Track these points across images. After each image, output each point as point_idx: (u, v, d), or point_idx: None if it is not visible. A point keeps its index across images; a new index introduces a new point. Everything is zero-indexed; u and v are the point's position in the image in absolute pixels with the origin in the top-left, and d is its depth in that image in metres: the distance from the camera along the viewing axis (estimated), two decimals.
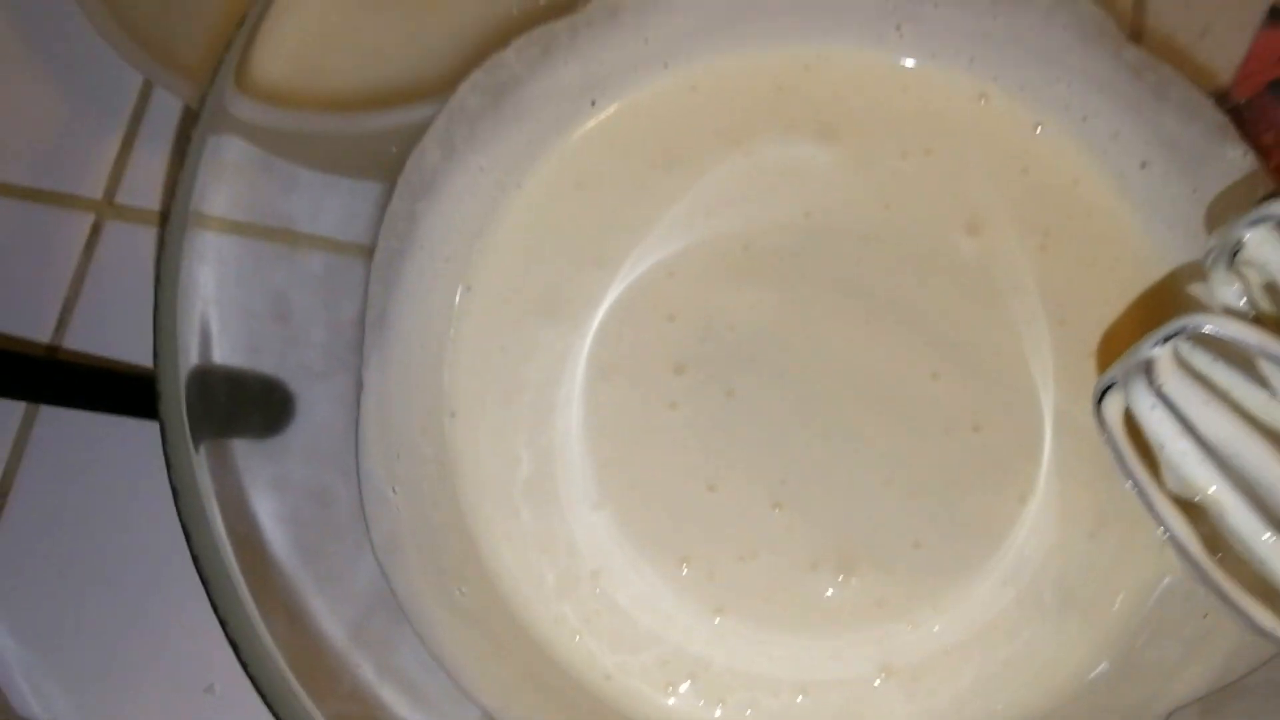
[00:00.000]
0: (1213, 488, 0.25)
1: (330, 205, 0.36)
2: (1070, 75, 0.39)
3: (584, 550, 0.37)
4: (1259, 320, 0.27)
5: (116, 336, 0.44)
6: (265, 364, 0.33)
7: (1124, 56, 0.37)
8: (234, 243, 0.32)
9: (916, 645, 0.36)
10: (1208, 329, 0.25)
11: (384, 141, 0.37)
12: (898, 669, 0.36)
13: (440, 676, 0.33)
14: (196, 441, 0.28)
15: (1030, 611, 0.36)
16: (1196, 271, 0.30)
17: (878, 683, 0.36)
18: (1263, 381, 0.27)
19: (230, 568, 0.27)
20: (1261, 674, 0.32)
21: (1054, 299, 0.38)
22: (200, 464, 0.28)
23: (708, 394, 0.38)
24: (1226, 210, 0.35)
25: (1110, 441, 0.27)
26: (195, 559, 0.27)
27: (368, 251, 0.36)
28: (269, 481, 0.31)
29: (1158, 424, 0.25)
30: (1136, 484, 0.27)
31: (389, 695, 0.31)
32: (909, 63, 0.40)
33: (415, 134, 0.37)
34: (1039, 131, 0.39)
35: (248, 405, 0.33)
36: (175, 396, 0.28)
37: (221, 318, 0.31)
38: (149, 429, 0.38)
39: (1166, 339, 0.25)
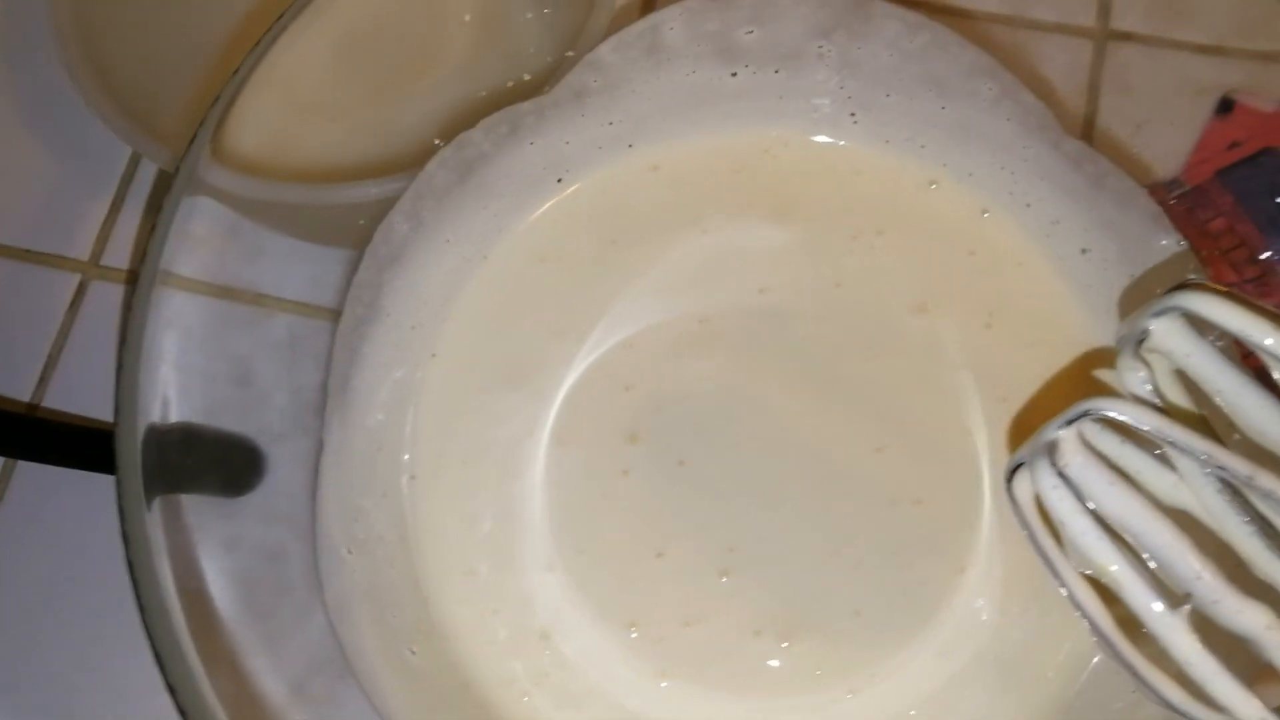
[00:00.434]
0: (1113, 566, 0.26)
1: (297, 272, 0.38)
2: (1014, 164, 0.40)
3: (536, 610, 0.38)
4: (1165, 407, 0.29)
5: (96, 395, 0.46)
6: (225, 425, 0.34)
7: (1063, 148, 0.39)
8: (200, 306, 0.34)
9: (856, 713, 0.37)
10: (1108, 413, 0.26)
11: (353, 213, 0.39)
12: None
13: None
14: (150, 496, 0.29)
15: (968, 682, 0.37)
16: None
17: None
18: (1172, 466, 0.28)
19: (175, 621, 0.28)
20: None
21: (996, 377, 0.39)
22: (153, 518, 0.29)
23: (660, 463, 0.39)
24: (1145, 296, 0.37)
25: (1022, 519, 0.28)
26: (141, 610, 0.28)
27: (333, 316, 0.38)
28: (222, 539, 0.32)
29: (1059, 503, 0.26)
30: (1047, 561, 0.28)
31: None
32: (862, 149, 0.42)
33: (384, 207, 0.39)
34: (985, 216, 0.41)
35: (209, 464, 0.34)
36: (131, 451, 0.29)
37: (182, 380, 0.32)
38: None
39: (1070, 421, 0.26)
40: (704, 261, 0.41)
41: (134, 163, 0.49)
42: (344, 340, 0.38)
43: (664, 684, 0.37)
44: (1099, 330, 0.39)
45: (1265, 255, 0.42)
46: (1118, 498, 0.26)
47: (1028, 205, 0.41)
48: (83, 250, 0.48)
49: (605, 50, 0.40)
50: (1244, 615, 0.26)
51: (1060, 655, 0.37)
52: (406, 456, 0.39)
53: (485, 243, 0.41)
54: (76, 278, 0.48)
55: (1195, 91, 0.42)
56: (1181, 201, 0.43)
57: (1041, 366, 0.39)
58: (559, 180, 0.42)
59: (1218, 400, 0.28)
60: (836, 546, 0.38)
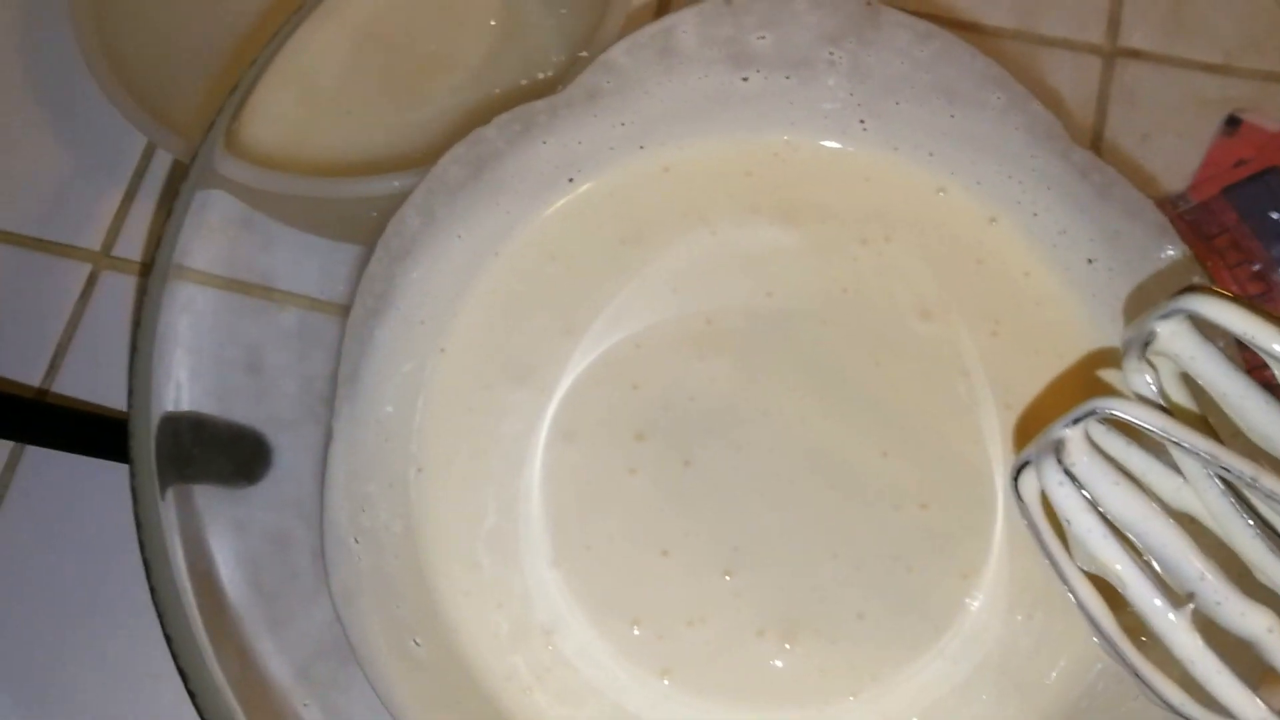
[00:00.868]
0: (1118, 565, 0.26)
1: (309, 264, 0.38)
2: (1022, 173, 0.41)
3: (539, 605, 0.38)
4: (1169, 409, 0.29)
5: (105, 383, 0.46)
6: (236, 413, 0.35)
7: (1071, 158, 0.39)
8: (212, 296, 0.34)
9: (858, 717, 0.37)
10: (1114, 412, 0.26)
11: (365, 207, 0.39)
12: None
13: None
14: (163, 479, 0.30)
15: (971, 687, 0.37)
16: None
17: None
18: (1176, 469, 0.28)
19: (186, 602, 0.29)
20: None
21: (1002, 384, 0.39)
22: (165, 501, 0.30)
23: (666, 462, 0.39)
24: (1149, 301, 0.37)
25: (1026, 516, 0.28)
26: (153, 591, 0.28)
27: (343, 310, 0.38)
28: (231, 522, 0.32)
29: (1064, 500, 0.27)
30: (1051, 559, 0.28)
31: None
32: (871, 155, 0.42)
33: (396, 201, 0.39)
34: (993, 224, 0.41)
35: (220, 451, 0.35)
36: (145, 435, 0.30)
37: (195, 366, 0.32)
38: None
39: (1076, 420, 0.27)
40: (712, 263, 0.42)
41: (148, 154, 0.49)
42: (354, 332, 0.38)
43: (665, 683, 0.37)
44: (1105, 339, 0.40)
45: (1267, 271, 0.42)
46: (1122, 497, 0.26)
47: (1035, 214, 0.41)
48: (94, 240, 0.48)
49: (618, 52, 0.41)
50: (1247, 618, 0.26)
51: (1064, 661, 0.37)
52: (414, 448, 0.40)
53: (496, 239, 0.41)
54: (88, 267, 0.48)
55: (1202, 106, 0.43)
56: (1187, 216, 0.43)
57: (1047, 374, 0.39)
58: (570, 179, 0.42)
59: (1222, 403, 0.28)
60: (841, 549, 0.38)
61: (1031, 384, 0.39)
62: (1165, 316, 0.28)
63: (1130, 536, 0.27)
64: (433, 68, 0.44)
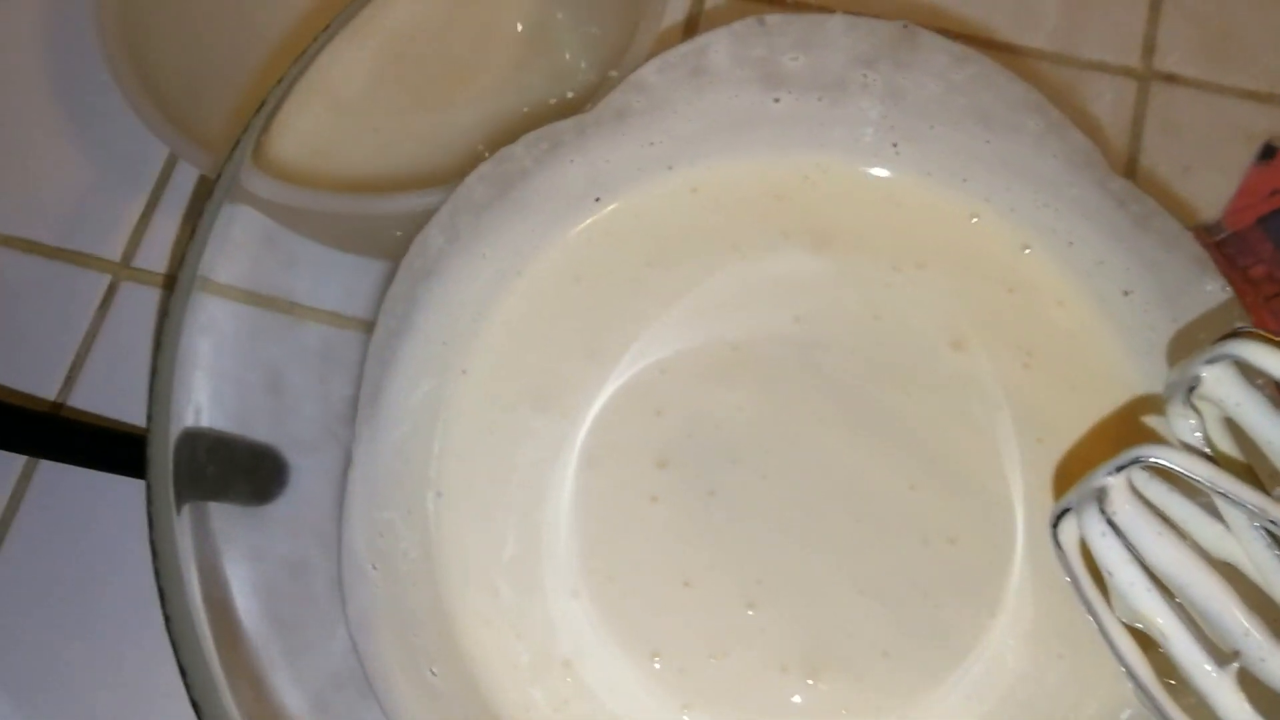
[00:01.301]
0: (1160, 619, 0.25)
1: (332, 281, 0.37)
2: (1058, 201, 0.40)
3: (559, 636, 0.38)
4: (1214, 456, 0.28)
5: (121, 397, 0.46)
6: (256, 434, 0.34)
7: (1109, 187, 0.38)
8: (235, 312, 0.33)
9: None
10: (1160, 461, 0.26)
11: (390, 224, 0.38)
12: None
13: None
14: (180, 504, 0.29)
15: None
16: (1163, 403, 0.30)
17: None
18: (1218, 515, 0.28)
19: (201, 632, 0.28)
20: None
21: (1033, 417, 0.39)
22: (182, 527, 0.29)
23: (689, 490, 0.39)
24: (1192, 343, 0.36)
25: (1065, 565, 0.28)
26: (167, 620, 0.28)
27: (365, 327, 0.37)
28: (248, 549, 0.31)
29: (1107, 551, 0.26)
30: (1090, 609, 0.27)
31: None
32: (904, 179, 0.42)
33: (421, 219, 0.39)
34: (1027, 253, 0.41)
35: (238, 472, 0.34)
36: (163, 459, 0.29)
37: (215, 386, 0.32)
38: (144, 489, 0.39)
39: (1120, 468, 0.26)
40: (740, 287, 0.41)
41: (170, 165, 0.49)
42: (376, 353, 0.38)
43: (686, 717, 0.37)
44: (1139, 372, 0.39)
45: None
46: (1166, 549, 0.26)
47: (1070, 243, 0.40)
48: (114, 251, 0.48)
49: (649, 71, 0.40)
50: None
51: (1092, 704, 0.36)
52: (433, 473, 0.39)
53: (521, 259, 0.41)
54: (107, 278, 0.47)
55: (1243, 136, 0.42)
56: (1223, 246, 0.42)
57: (1080, 407, 0.39)
58: (597, 199, 0.42)
59: (1267, 450, 0.27)
60: (867, 584, 0.37)
61: (1064, 417, 0.39)
62: (1210, 361, 0.27)
63: (1171, 587, 0.27)
64: (460, 85, 0.44)
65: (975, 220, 0.41)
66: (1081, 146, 0.39)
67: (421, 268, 0.39)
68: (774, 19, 0.40)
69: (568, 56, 0.44)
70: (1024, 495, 0.38)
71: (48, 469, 0.45)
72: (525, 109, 0.40)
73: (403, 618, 0.36)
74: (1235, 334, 0.27)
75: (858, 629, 0.37)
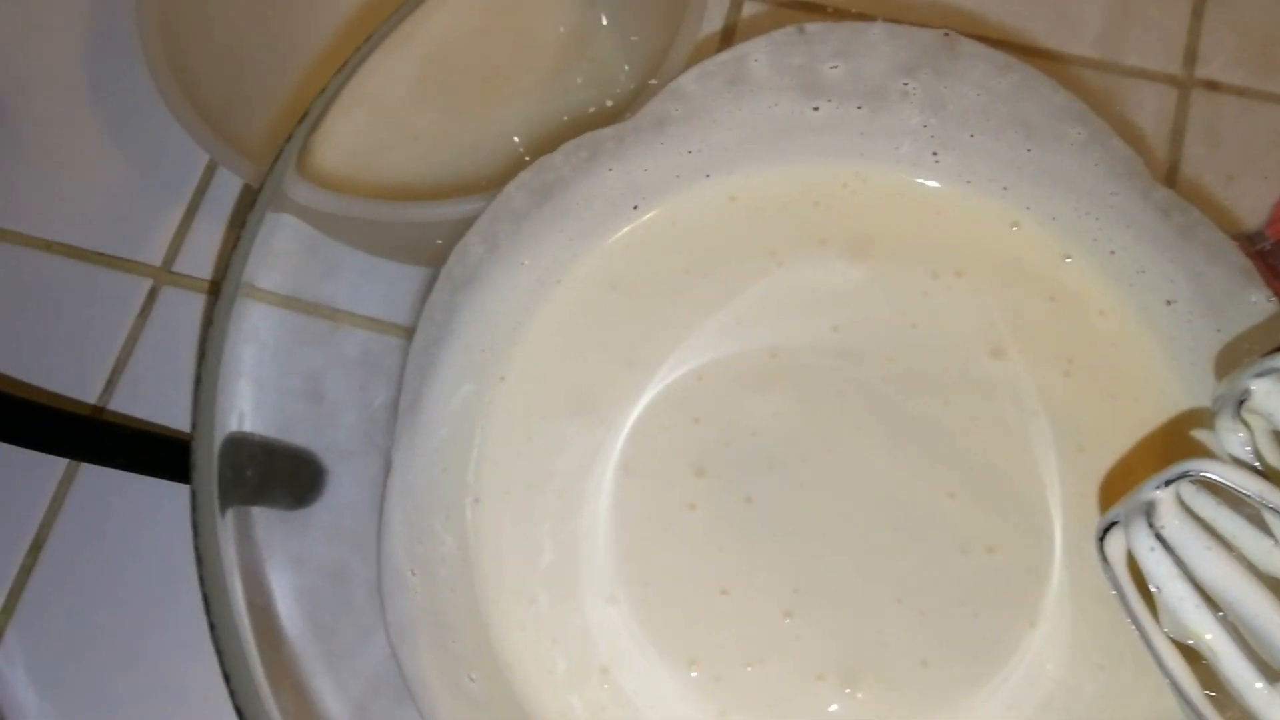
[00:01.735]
0: (1208, 634, 0.25)
1: (372, 289, 0.38)
2: (1100, 210, 0.39)
3: (596, 643, 0.38)
4: (1264, 470, 0.28)
5: (161, 400, 0.46)
6: (296, 439, 0.34)
7: (1152, 196, 0.38)
8: (277, 321, 0.34)
9: None
10: (1209, 475, 0.25)
11: (431, 232, 0.39)
12: None
13: None
14: (223, 511, 0.29)
15: None
16: (1209, 415, 0.30)
17: None
18: (1267, 530, 0.27)
19: (245, 639, 0.28)
20: None
21: (1073, 427, 0.38)
22: (226, 535, 0.29)
23: (727, 498, 0.39)
24: (1239, 356, 0.36)
25: (1112, 579, 0.27)
26: (212, 626, 0.28)
27: (405, 334, 0.38)
28: (289, 556, 0.31)
29: (1155, 566, 0.26)
30: (1137, 623, 0.27)
31: None
32: (944, 188, 0.41)
33: (461, 227, 0.39)
34: (1068, 262, 0.40)
35: (278, 478, 0.34)
36: (208, 468, 0.29)
37: (257, 393, 0.32)
38: (183, 492, 0.40)
39: (1168, 482, 0.26)
40: (778, 295, 0.41)
41: (209, 171, 0.49)
42: (415, 360, 0.38)
43: None
44: (1181, 383, 0.39)
45: None
46: (1214, 563, 0.25)
47: (1112, 252, 0.40)
48: (155, 255, 0.48)
49: (688, 80, 0.40)
50: None
51: (1132, 716, 0.36)
52: (471, 479, 0.39)
53: (559, 267, 0.41)
54: (148, 283, 0.48)
55: None
56: (1267, 256, 0.42)
57: (1121, 418, 0.38)
58: (635, 207, 0.42)
59: None
60: (905, 592, 0.37)
61: (1105, 427, 0.38)
62: (1261, 374, 0.27)
63: (1219, 602, 0.26)
64: (500, 95, 0.44)
65: (1016, 229, 0.41)
66: (1124, 155, 0.39)
67: (461, 275, 0.39)
68: (814, 27, 0.40)
69: (607, 65, 0.44)
70: (1063, 505, 0.38)
71: (88, 472, 0.45)
72: (565, 117, 0.40)
73: (441, 624, 0.36)
74: None
75: (895, 638, 0.37)
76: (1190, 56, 0.45)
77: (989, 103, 0.40)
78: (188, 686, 0.42)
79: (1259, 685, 0.25)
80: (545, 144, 0.39)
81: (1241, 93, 0.44)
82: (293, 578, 0.31)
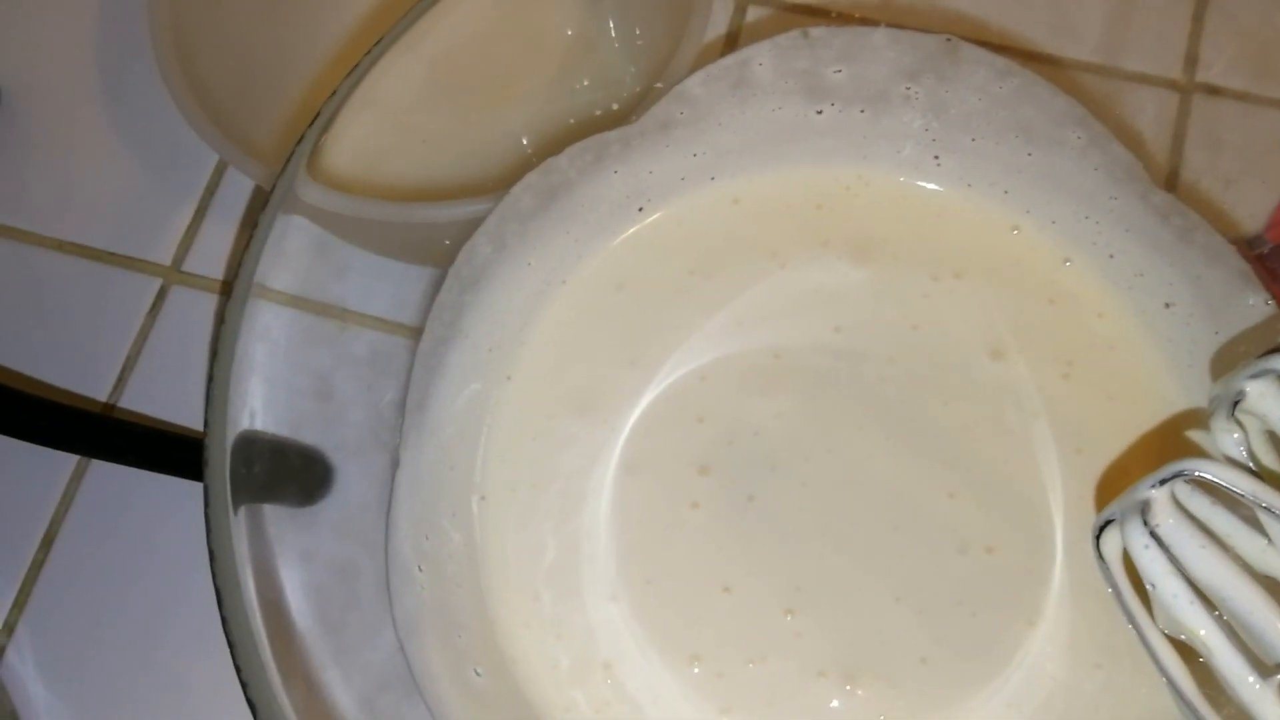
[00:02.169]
0: (1202, 631, 0.26)
1: (381, 289, 0.38)
2: (1100, 214, 0.40)
3: (599, 640, 0.38)
4: (1258, 470, 0.28)
5: (171, 398, 0.46)
6: (305, 438, 0.35)
7: (1151, 200, 0.39)
8: (287, 320, 0.34)
9: None
10: (1203, 474, 0.26)
11: (439, 233, 0.39)
12: None
13: None
14: (235, 508, 0.30)
15: None
16: (1205, 416, 0.30)
17: None
18: (1261, 529, 0.28)
19: (257, 633, 0.29)
20: None
21: (1072, 428, 0.39)
22: (238, 531, 0.30)
23: (729, 497, 0.39)
24: (1236, 358, 0.36)
25: (1108, 577, 0.28)
26: (224, 620, 0.28)
27: (413, 334, 0.38)
28: (299, 552, 0.32)
29: (1150, 563, 0.26)
30: (1133, 621, 0.28)
31: None
32: (945, 191, 0.42)
33: (469, 228, 0.39)
34: (1067, 265, 0.41)
35: (287, 475, 0.35)
36: (221, 465, 0.30)
37: (268, 391, 0.32)
38: (193, 489, 0.40)
39: (1163, 481, 0.26)
40: (781, 296, 0.41)
41: (219, 172, 0.50)
42: (423, 360, 0.38)
43: None
44: (1179, 385, 0.39)
45: None
46: (1209, 561, 0.26)
47: (1111, 256, 0.40)
48: (165, 255, 0.49)
49: (693, 83, 0.41)
50: None
51: (1130, 715, 0.36)
52: (478, 477, 0.40)
53: (565, 267, 0.41)
54: (158, 282, 0.48)
55: None
56: (1266, 260, 0.42)
57: (1119, 420, 0.39)
58: (640, 209, 0.42)
59: None
60: (905, 591, 0.38)
61: (1104, 429, 0.39)
62: (1255, 376, 0.27)
63: (1213, 600, 0.27)
64: (508, 97, 0.44)
65: (1016, 232, 0.41)
66: (1123, 160, 0.39)
67: (469, 276, 0.40)
68: (818, 31, 0.40)
69: (613, 69, 0.44)
70: (1063, 505, 0.38)
71: (99, 469, 0.46)
72: (571, 120, 0.41)
73: (447, 619, 0.37)
74: (1279, 349, 0.27)
75: (895, 636, 0.37)
76: (1191, 61, 0.45)
77: (990, 107, 0.40)
78: (198, 681, 0.43)
79: (1252, 680, 0.25)
80: (552, 146, 0.39)
81: (1241, 97, 0.44)
82: (302, 573, 0.32)
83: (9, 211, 0.50)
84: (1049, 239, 0.41)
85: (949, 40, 0.39)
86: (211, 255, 0.49)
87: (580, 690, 0.37)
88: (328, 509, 0.35)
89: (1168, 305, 0.39)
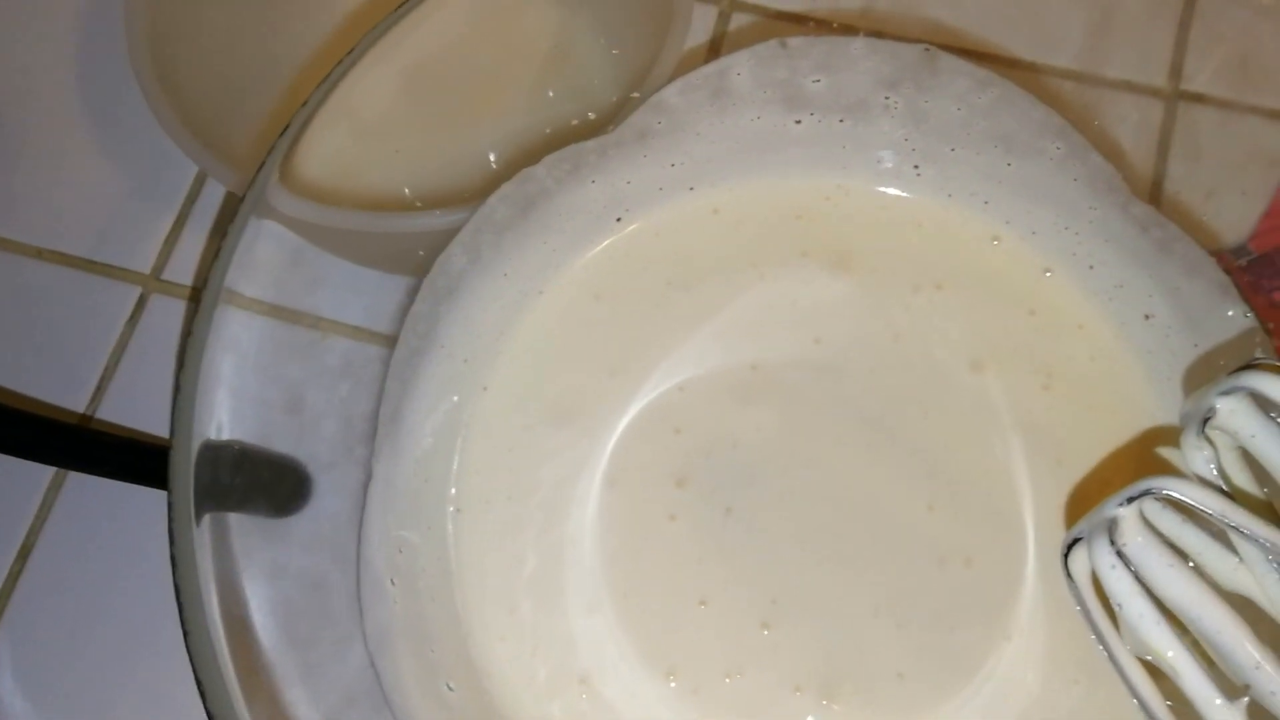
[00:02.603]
0: (1170, 652, 0.25)
1: (355, 299, 0.38)
2: (1079, 224, 0.40)
3: (576, 653, 0.38)
4: (1228, 488, 0.28)
5: (150, 408, 0.46)
6: (276, 450, 0.34)
7: (1131, 211, 0.38)
8: (258, 330, 0.34)
9: None
10: (1171, 493, 0.26)
11: (413, 243, 0.39)
12: None
13: None
14: (199, 518, 0.29)
15: None
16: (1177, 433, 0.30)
17: None
18: (1232, 547, 0.28)
19: (218, 646, 0.28)
20: None
21: (1051, 440, 0.39)
22: (201, 541, 0.29)
23: (707, 509, 0.39)
24: (1213, 371, 0.36)
25: (1077, 596, 0.28)
26: (185, 634, 0.28)
27: (387, 343, 0.38)
28: (267, 565, 0.32)
29: (1116, 583, 0.26)
30: (1102, 640, 0.27)
31: None
32: (925, 201, 0.42)
33: (444, 238, 0.39)
34: (1047, 276, 0.40)
35: (258, 487, 0.35)
36: (185, 475, 0.30)
37: (236, 404, 0.32)
38: None
39: (1131, 499, 0.26)
40: (760, 308, 0.41)
41: (199, 181, 0.49)
42: (397, 371, 0.38)
43: None
44: (1159, 397, 0.39)
45: None
46: (1176, 581, 0.25)
47: (1091, 267, 0.40)
48: (144, 264, 0.49)
49: (671, 92, 0.41)
50: None
51: None
52: (453, 490, 0.39)
53: (542, 278, 0.41)
54: (137, 290, 0.48)
55: (1266, 160, 0.42)
56: (1248, 270, 0.42)
57: (1099, 432, 0.38)
58: (618, 219, 0.42)
59: None
60: (883, 605, 0.37)
61: (1083, 441, 0.38)
62: (1226, 393, 0.27)
63: (1182, 620, 0.26)
64: (483, 107, 0.44)
65: (996, 243, 0.41)
66: (1103, 171, 0.39)
67: (444, 286, 0.39)
68: (796, 41, 0.40)
69: (590, 78, 0.44)
70: (1040, 518, 0.38)
71: (76, 480, 0.45)
72: (548, 130, 0.41)
73: (420, 633, 0.37)
74: (1251, 366, 0.27)
75: (873, 650, 0.37)
76: (1175, 71, 0.45)
77: (969, 117, 0.40)
78: (176, 692, 0.42)
79: (1219, 702, 0.25)
80: (528, 156, 0.39)
81: (1223, 107, 0.44)
82: (269, 587, 0.32)
83: None
84: (1029, 249, 0.41)
85: (927, 50, 0.39)
86: (192, 264, 0.48)
87: (556, 703, 0.37)
88: (299, 522, 0.35)
89: (1147, 317, 0.39)
